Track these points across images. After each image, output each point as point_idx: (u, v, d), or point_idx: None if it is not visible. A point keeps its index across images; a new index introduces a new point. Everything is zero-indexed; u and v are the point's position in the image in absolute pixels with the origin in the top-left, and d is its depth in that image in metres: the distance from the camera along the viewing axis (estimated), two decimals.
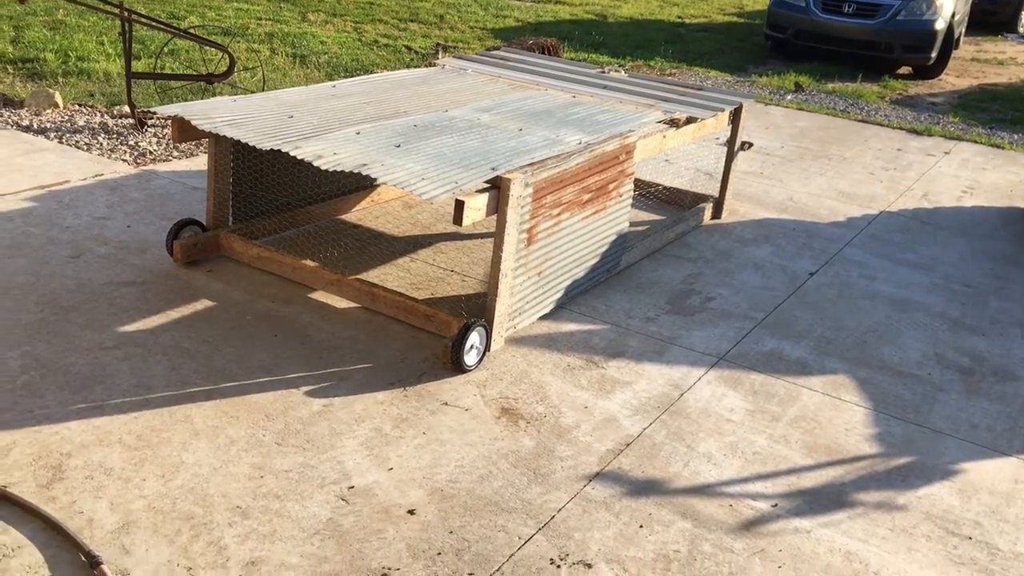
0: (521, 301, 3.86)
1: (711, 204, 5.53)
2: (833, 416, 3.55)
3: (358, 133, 3.87)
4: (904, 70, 11.36)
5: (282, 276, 4.17)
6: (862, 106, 9.23)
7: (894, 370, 3.95)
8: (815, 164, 6.97)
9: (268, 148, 3.59)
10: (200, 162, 5.66)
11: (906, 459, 3.32)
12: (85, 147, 5.71)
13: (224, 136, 4.00)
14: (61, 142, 5.75)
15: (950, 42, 11.07)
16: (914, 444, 3.42)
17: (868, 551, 2.82)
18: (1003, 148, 8.00)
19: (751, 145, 5.52)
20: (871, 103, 9.41)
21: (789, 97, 9.32)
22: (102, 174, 5.28)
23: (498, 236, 3.61)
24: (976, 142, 8.12)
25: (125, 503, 2.70)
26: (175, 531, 2.61)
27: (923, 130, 8.31)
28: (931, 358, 4.09)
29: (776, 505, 2.99)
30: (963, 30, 12.63)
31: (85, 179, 5.18)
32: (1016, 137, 8.47)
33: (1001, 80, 11.39)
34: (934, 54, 10.72)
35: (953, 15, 10.92)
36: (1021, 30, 15.58)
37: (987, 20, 15.41)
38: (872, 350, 4.11)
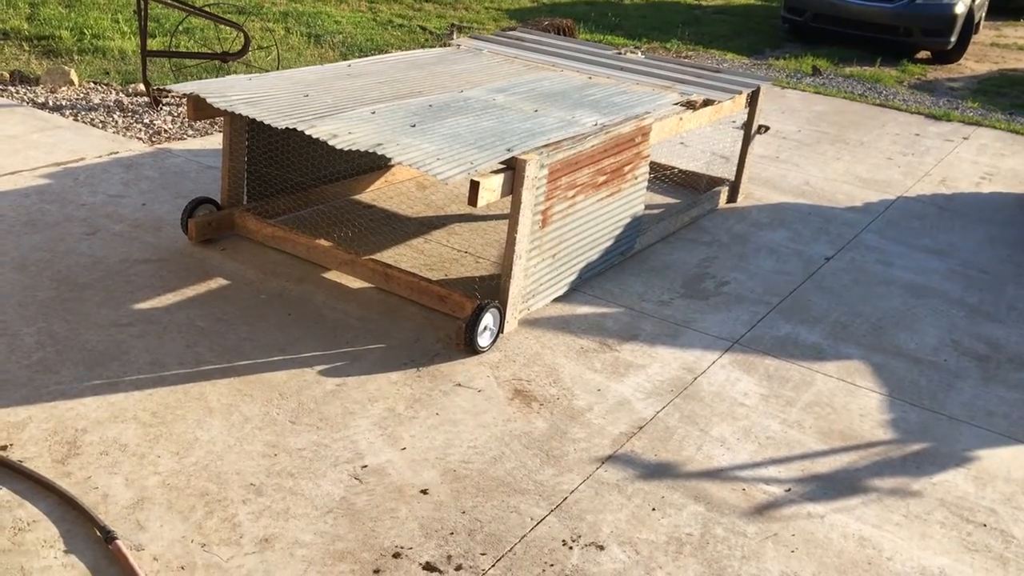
0: (535, 283, 3.85)
1: (727, 188, 5.49)
2: (848, 401, 3.53)
3: (373, 113, 3.86)
4: (923, 54, 11.24)
5: (296, 255, 4.17)
6: (880, 90, 9.14)
7: (910, 356, 3.92)
8: (832, 148, 6.91)
9: (284, 127, 3.58)
10: (214, 141, 5.65)
11: (921, 445, 3.30)
12: (100, 125, 5.71)
13: (240, 114, 3.99)
14: (76, 119, 5.76)
15: (970, 27, 10.94)
16: (929, 431, 3.40)
17: (882, 536, 2.81)
18: (1023, 134, 7.91)
19: (767, 129, 5.48)
20: (889, 87, 9.33)
21: (806, 80, 9.24)
22: (117, 152, 5.29)
23: (513, 217, 3.60)
24: (995, 128, 8.04)
25: (140, 479, 2.71)
26: (189, 507, 2.62)
27: (942, 115, 8.23)
28: (948, 344, 4.06)
29: (790, 490, 2.98)
30: (983, 15, 12.48)
31: (100, 157, 5.18)
32: None
33: (1021, 65, 11.26)
34: (954, 38, 10.60)
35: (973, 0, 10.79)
36: None
37: (1008, 5, 15.22)
38: (888, 336, 4.08)
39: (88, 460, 2.77)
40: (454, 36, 9.49)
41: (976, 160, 7.00)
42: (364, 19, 9.89)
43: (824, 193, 5.89)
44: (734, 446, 3.18)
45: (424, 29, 9.72)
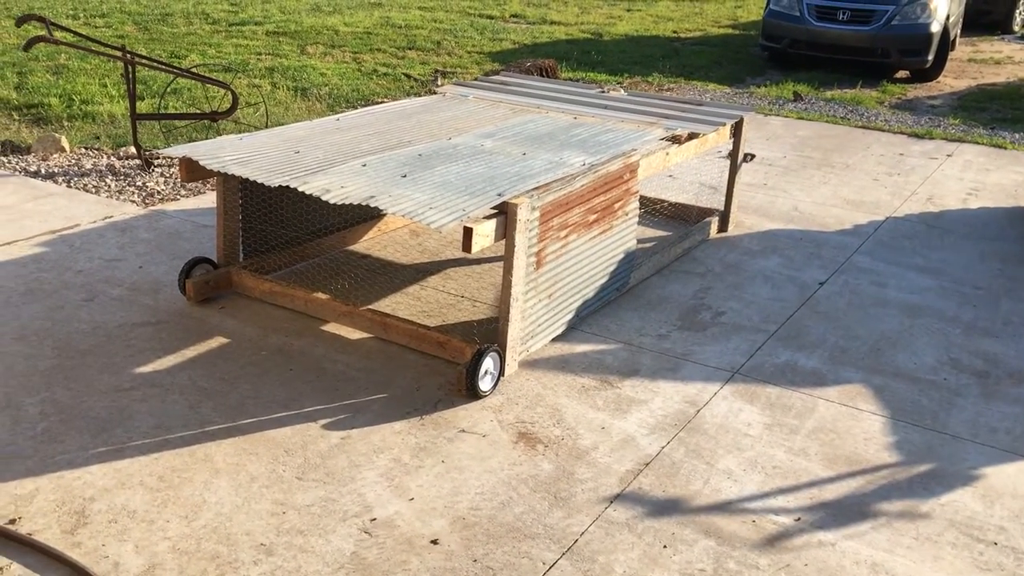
0: (533, 324, 3.87)
1: (717, 217, 5.54)
2: (851, 426, 3.54)
3: (364, 165, 3.90)
4: (902, 74, 11.39)
5: (294, 310, 4.19)
6: (862, 112, 9.25)
7: (910, 377, 3.94)
8: (818, 173, 6.98)
9: (277, 184, 3.62)
10: (208, 200, 5.70)
11: (927, 466, 3.31)
12: (93, 190, 5.76)
13: (232, 174, 4.03)
14: (69, 186, 5.80)
15: (946, 44, 11.10)
16: (934, 451, 3.41)
17: (894, 561, 2.81)
18: (1005, 148, 8.01)
19: (753, 157, 5.54)
20: (871, 109, 9.44)
21: (788, 106, 9.35)
22: (111, 216, 5.33)
23: (507, 261, 3.63)
24: (978, 143, 8.13)
25: (150, 545, 2.71)
26: (201, 571, 2.62)
27: (924, 133, 8.33)
28: (946, 363, 4.08)
29: (799, 519, 2.99)
30: (958, 31, 12.67)
31: (95, 222, 5.22)
32: (1017, 136, 8.47)
33: (999, 80, 11.41)
34: (931, 57, 10.75)
35: (948, 17, 10.95)
36: (1016, 29, 15.62)
37: (981, 20, 15.45)
38: (886, 357, 4.10)
39: (97, 529, 2.77)
40: (439, 81, 9.60)
41: (961, 176, 7.07)
42: (349, 70, 10.01)
43: (814, 217, 5.95)
44: (741, 478, 3.19)
45: (409, 76, 9.84)
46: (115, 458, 3.10)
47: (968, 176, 7.08)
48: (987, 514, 3.06)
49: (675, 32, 14.20)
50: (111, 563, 2.63)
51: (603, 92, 5.76)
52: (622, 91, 5.83)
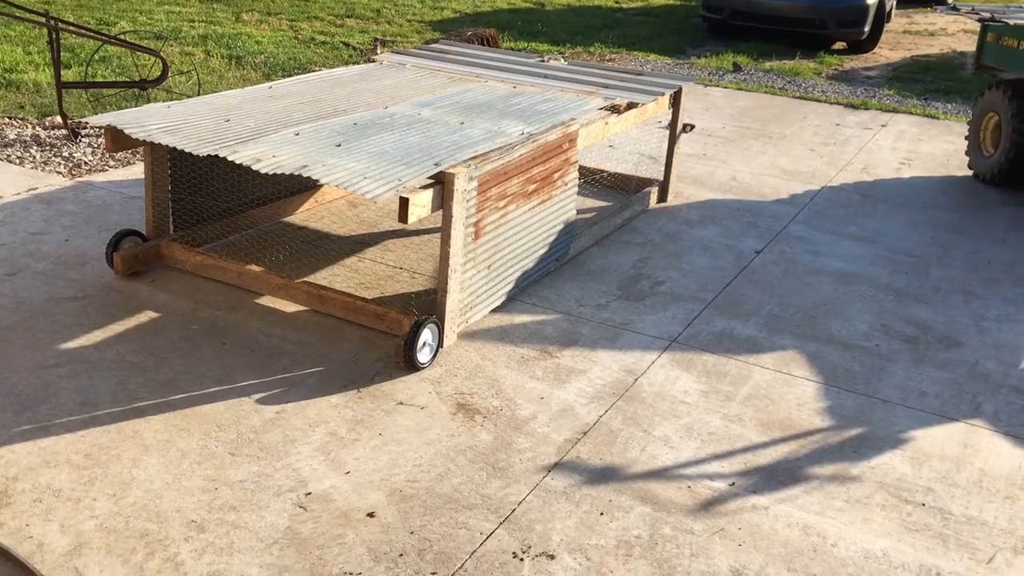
0: (472, 295, 3.84)
1: (657, 188, 5.56)
2: (785, 392, 3.59)
3: (297, 134, 3.82)
4: (839, 45, 11.53)
5: (227, 283, 4.10)
6: (800, 83, 9.35)
7: (843, 343, 4.01)
8: (756, 143, 7.04)
9: (205, 154, 3.52)
10: (137, 170, 5.54)
11: (858, 430, 3.37)
12: (17, 161, 5.55)
13: (160, 143, 3.91)
14: None
15: (882, 15, 11.25)
16: (865, 415, 3.48)
17: (825, 524, 2.86)
18: (938, 118, 8.16)
19: (693, 127, 5.56)
20: (808, 79, 9.54)
21: (728, 77, 9.40)
22: (36, 188, 5.15)
23: (445, 231, 3.59)
24: (911, 113, 8.27)
25: (76, 524, 2.64)
26: (129, 550, 2.56)
27: (860, 104, 8.44)
28: (878, 329, 4.16)
29: (733, 484, 3.02)
30: (894, 3, 12.85)
31: (19, 194, 5.04)
32: (950, 107, 8.64)
33: (933, 51, 11.62)
34: (867, 28, 10.89)
35: None
36: (950, 1, 15.89)
37: None
38: (820, 324, 4.16)
39: (21, 508, 2.69)
40: (378, 50, 9.45)
41: (895, 146, 7.19)
42: (285, 38, 9.79)
43: (751, 187, 6.00)
44: (677, 444, 3.21)
45: (347, 45, 9.66)
46: (39, 436, 3.01)
47: (902, 146, 7.21)
48: (915, 476, 3.13)
49: (617, 2, 14.16)
50: (35, 543, 2.56)
51: (543, 61, 5.71)
52: (562, 60, 5.79)
